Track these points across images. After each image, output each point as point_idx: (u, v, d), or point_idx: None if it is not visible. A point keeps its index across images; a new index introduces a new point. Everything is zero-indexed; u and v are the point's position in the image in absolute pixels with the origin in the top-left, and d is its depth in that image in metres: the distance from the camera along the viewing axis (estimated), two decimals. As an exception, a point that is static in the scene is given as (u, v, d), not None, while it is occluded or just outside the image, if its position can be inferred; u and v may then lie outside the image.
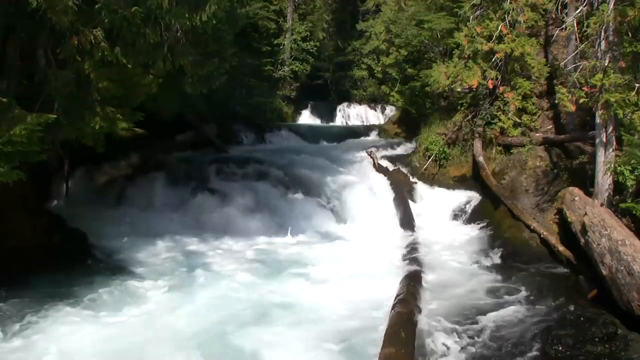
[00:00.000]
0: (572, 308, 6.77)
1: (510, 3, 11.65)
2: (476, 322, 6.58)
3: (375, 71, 23.75)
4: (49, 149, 7.25)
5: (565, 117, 11.69)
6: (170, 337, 6.02)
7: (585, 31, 8.08)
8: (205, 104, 15.74)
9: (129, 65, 7.32)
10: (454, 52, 13.32)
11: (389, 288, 7.34)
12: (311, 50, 24.58)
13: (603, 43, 7.77)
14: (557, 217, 8.85)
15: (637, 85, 7.31)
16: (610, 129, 7.84)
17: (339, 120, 24.53)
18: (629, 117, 7.40)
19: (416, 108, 16.82)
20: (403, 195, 12.10)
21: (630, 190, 7.28)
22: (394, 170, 13.50)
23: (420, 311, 6.66)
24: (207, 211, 10.92)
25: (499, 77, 12.14)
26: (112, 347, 5.82)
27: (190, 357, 5.67)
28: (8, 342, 5.86)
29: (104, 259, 8.61)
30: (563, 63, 10.76)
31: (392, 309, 6.47)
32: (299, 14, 25.09)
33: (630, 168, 7.19)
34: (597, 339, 5.87)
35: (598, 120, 7.98)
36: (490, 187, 10.96)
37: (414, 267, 8.20)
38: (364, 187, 12.57)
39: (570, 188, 8.48)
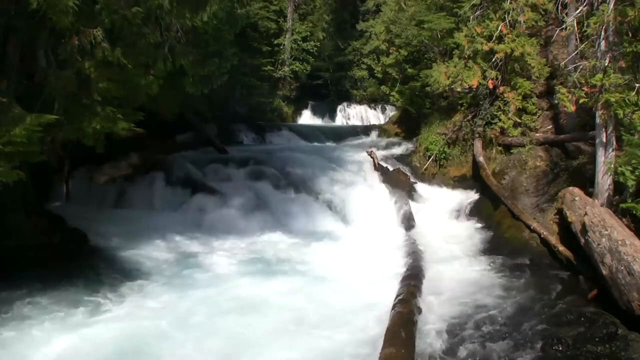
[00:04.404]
0: (572, 308, 6.78)
1: (510, 3, 11.66)
2: (476, 322, 6.58)
3: (375, 71, 23.78)
4: (49, 149, 7.25)
5: (565, 117, 11.69)
6: (163, 337, 6.01)
7: (585, 31, 8.08)
8: (205, 104, 15.77)
9: (130, 66, 7.33)
10: (454, 52, 13.33)
11: (389, 287, 7.34)
12: (311, 50, 24.62)
13: (603, 43, 7.77)
14: (557, 217, 8.84)
15: (637, 85, 7.31)
16: (610, 129, 7.85)
17: (339, 120, 24.58)
18: (629, 117, 7.40)
19: (416, 108, 16.83)
20: (403, 195, 12.10)
21: (630, 190, 7.27)
22: (394, 170, 13.50)
23: (420, 311, 6.65)
24: (206, 211, 10.92)
25: (499, 77, 12.15)
26: (107, 346, 5.81)
27: (183, 356, 5.69)
28: (4, 341, 5.86)
29: (104, 259, 8.59)
30: (563, 63, 10.76)
31: (392, 308, 6.47)
32: (299, 14, 25.11)
33: (630, 168, 7.19)
34: (597, 339, 5.87)
35: (598, 120, 7.98)
36: (491, 187, 10.96)
37: (414, 267, 8.20)
38: (364, 187, 12.58)
39: (570, 188, 8.48)
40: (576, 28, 9.04)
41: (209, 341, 5.98)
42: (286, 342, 5.99)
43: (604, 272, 6.58)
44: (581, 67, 8.17)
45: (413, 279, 7.62)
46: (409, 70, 17.79)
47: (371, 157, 14.17)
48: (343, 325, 6.43)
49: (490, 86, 12.25)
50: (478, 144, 12.39)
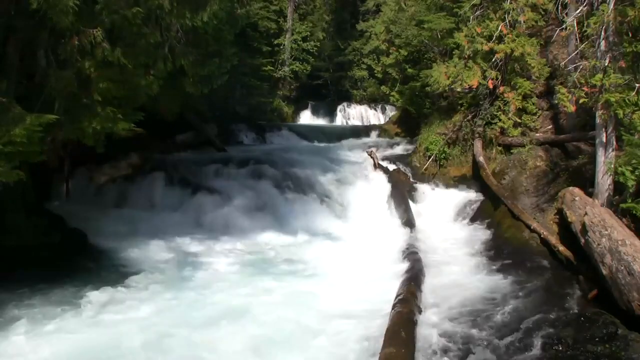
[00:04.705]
0: (572, 308, 6.79)
1: (510, 3, 11.66)
2: (476, 322, 6.58)
3: (376, 71, 23.80)
4: (49, 149, 7.25)
5: (565, 117, 11.69)
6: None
7: (585, 31, 8.08)
8: (205, 104, 15.78)
9: (130, 66, 7.33)
10: (454, 52, 13.32)
11: (389, 288, 7.33)
12: (311, 50, 24.62)
13: (603, 43, 7.77)
14: (557, 217, 8.84)
15: (637, 85, 7.31)
16: (610, 129, 7.84)
17: (339, 120, 24.57)
18: (629, 117, 7.40)
19: (416, 108, 16.83)
20: (403, 195, 12.10)
21: (630, 190, 7.27)
22: (394, 170, 13.51)
23: (420, 311, 6.66)
24: (206, 211, 10.92)
25: (499, 77, 12.15)
26: (102, 347, 5.80)
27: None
28: (4, 341, 5.86)
29: (104, 259, 8.61)
30: (563, 63, 10.76)
31: (393, 308, 6.47)
32: (299, 14, 25.12)
33: (630, 168, 7.18)
34: (597, 339, 5.87)
35: (598, 120, 7.98)
36: (491, 187, 10.96)
37: (414, 267, 8.20)
38: (364, 187, 12.59)
39: (571, 188, 8.48)
40: (576, 28, 9.03)
41: (193, 341, 5.84)
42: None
43: (604, 272, 6.58)
44: (581, 67, 8.17)
45: (413, 279, 7.62)
46: (409, 70, 17.79)
47: (371, 157, 14.18)
48: (339, 324, 6.32)
49: (490, 86, 12.24)
50: (478, 144, 12.39)
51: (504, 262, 8.75)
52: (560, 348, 5.79)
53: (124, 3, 6.82)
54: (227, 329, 6.30)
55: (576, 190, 8.30)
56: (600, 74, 7.62)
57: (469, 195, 11.95)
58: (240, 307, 6.91)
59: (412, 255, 8.89)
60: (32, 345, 5.78)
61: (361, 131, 20.61)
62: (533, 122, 12.24)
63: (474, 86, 12.24)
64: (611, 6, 7.52)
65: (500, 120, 12.29)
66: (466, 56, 12.40)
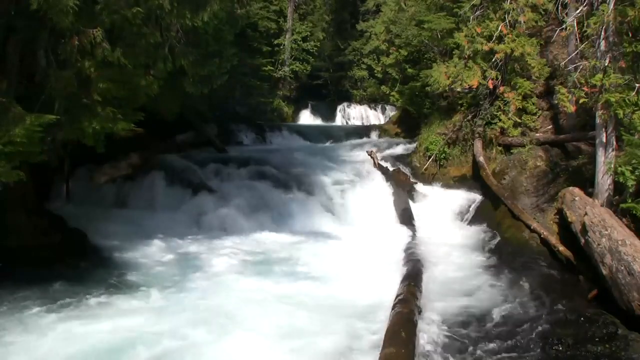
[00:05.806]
0: (572, 308, 6.79)
1: (510, 3, 11.66)
2: (476, 322, 6.59)
3: (376, 71, 23.84)
4: (49, 149, 7.24)
5: (565, 117, 11.70)
6: (156, 338, 5.95)
7: (585, 31, 8.08)
8: (205, 104, 15.78)
9: (130, 66, 7.32)
10: (454, 52, 13.33)
11: (389, 288, 7.33)
12: (311, 50, 24.64)
13: (603, 43, 7.78)
14: (557, 217, 8.85)
15: (637, 85, 7.31)
16: (610, 129, 7.85)
17: (339, 120, 24.60)
18: (629, 117, 7.40)
19: (416, 108, 16.83)
20: (403, 195, 12.11)
21: (630, 190, 7.28)
22: (394, 170, 13.51)
23: (420, 311, 6.65)
24: (206, 211, 10.91)
25: (499, 77, 12.15)
26: (101, 348, 5.78)
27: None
28: (4, 341, 5.85)
29: (104, 259, 8.59)
30: (563, 63, 10.76)
31: (393, 308, 6.46)
32: (299, 14, 25.14)
33: (630, 168, 7.19)
34: (597, 339, 5.88)
35: (598, 120, 7.98)
36: (491, 187, 10.97)
37: (414, 267, 8.19)
38: (363, 187, 12.59)
39: (571, 188, 8.48)
40: (576, 28, 9.04)
41: (192, 343, 5.80)
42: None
43: (604, 272, 6.59)
44: (581, 67, 8.18)
45: (413, 279, 7.61)
46: (409, 70, 17.80)
47: (371, 157, 14.18)
48: (339, 325, 6.26)
49: (490, 86, 12.25)
50: (478, 144, 12.40)
51: (503, 262, 8.76)
52: (560, 348, 5.80)
53: (124, 3, 6.82)
54: (227, 330, 6.27)
55: (576, 190, 8.30)
56: (600, 74, 7.62)
57: (469, 196, 11.95)
58: (240, 308, 6.88)
59: (411, 255, 8.89)
60: (32, 346, 5.79)
61: (361, 131, 20.62)
62: (533, 122, 12.24)
63: (474, 86, 12.24)
64: (611, 6, 7.52)
65: (500, 120, 12.30)
66: (466, 56, 12.41)
